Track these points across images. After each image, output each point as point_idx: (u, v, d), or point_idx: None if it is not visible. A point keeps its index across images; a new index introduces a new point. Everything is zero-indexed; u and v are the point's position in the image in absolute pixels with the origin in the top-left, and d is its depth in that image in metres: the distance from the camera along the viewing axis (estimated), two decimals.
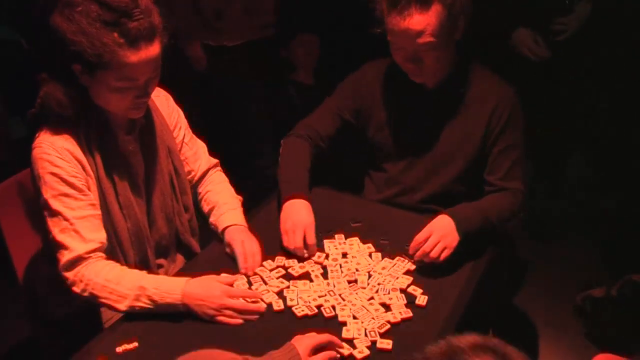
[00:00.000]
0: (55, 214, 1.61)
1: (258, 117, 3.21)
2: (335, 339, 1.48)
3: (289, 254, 1.81)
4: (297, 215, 1.84)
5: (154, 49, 1.57)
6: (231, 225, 1.85)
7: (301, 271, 1.75)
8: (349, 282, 1.72)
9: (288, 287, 1.70)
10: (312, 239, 1.80)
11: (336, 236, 1.88)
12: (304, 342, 1.42)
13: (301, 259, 1.79)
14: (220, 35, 3.03)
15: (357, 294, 1.67)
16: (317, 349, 1.44)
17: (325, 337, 1.46)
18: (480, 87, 2.00)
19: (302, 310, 1.61)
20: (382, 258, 1.80)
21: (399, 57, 1.92)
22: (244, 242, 1.79)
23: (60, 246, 1.62)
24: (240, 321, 1.59)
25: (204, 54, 3.07)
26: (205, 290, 1.60)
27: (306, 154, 2.06)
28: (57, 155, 1.61)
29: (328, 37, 3.25)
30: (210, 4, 2.97)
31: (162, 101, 1.89)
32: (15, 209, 1.90)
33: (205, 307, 1.58)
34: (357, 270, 1.75)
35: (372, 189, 2.18)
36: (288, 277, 1.74)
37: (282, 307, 1.63)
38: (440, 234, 1.74)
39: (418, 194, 2.08)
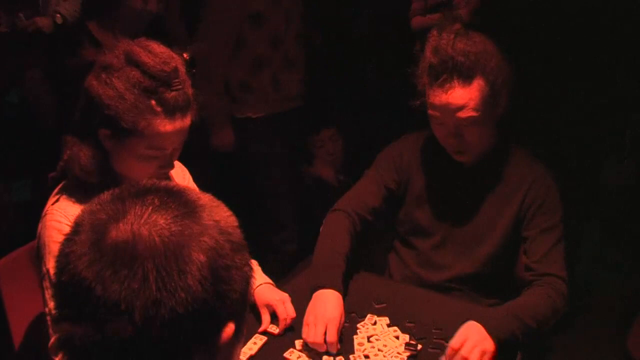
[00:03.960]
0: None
1: (281, 189, 3.08)
2: None
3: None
4: (322, 308, 1.70)
5: (187, 120, 1.54)
6: (263, 284, 1.79)
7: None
8: None
9: None
10: (332, 336, 1.63)
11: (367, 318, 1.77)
12: None
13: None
14: (245, 106, 2.95)
15: None
16: None
17: None
18: (517, 167, 1.93)
19: None
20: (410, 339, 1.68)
21: (440, 132, 1.86)
22: (285, 303, 1.74)
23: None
24: None
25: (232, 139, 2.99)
26: None
27: (347, 235, 1.92)
28: (67, 223, 1.52)
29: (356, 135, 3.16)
30: (235, 76, 2.90)
31: (178, 172, 1.83)
32: (19, 285, 1.80)
33: None
34: (384, 356, 1.63)
35: (399, 265, 2.09)
36: None
37: None
38: (475, 338, 1.58)
39: (447, 273, 1.98)
